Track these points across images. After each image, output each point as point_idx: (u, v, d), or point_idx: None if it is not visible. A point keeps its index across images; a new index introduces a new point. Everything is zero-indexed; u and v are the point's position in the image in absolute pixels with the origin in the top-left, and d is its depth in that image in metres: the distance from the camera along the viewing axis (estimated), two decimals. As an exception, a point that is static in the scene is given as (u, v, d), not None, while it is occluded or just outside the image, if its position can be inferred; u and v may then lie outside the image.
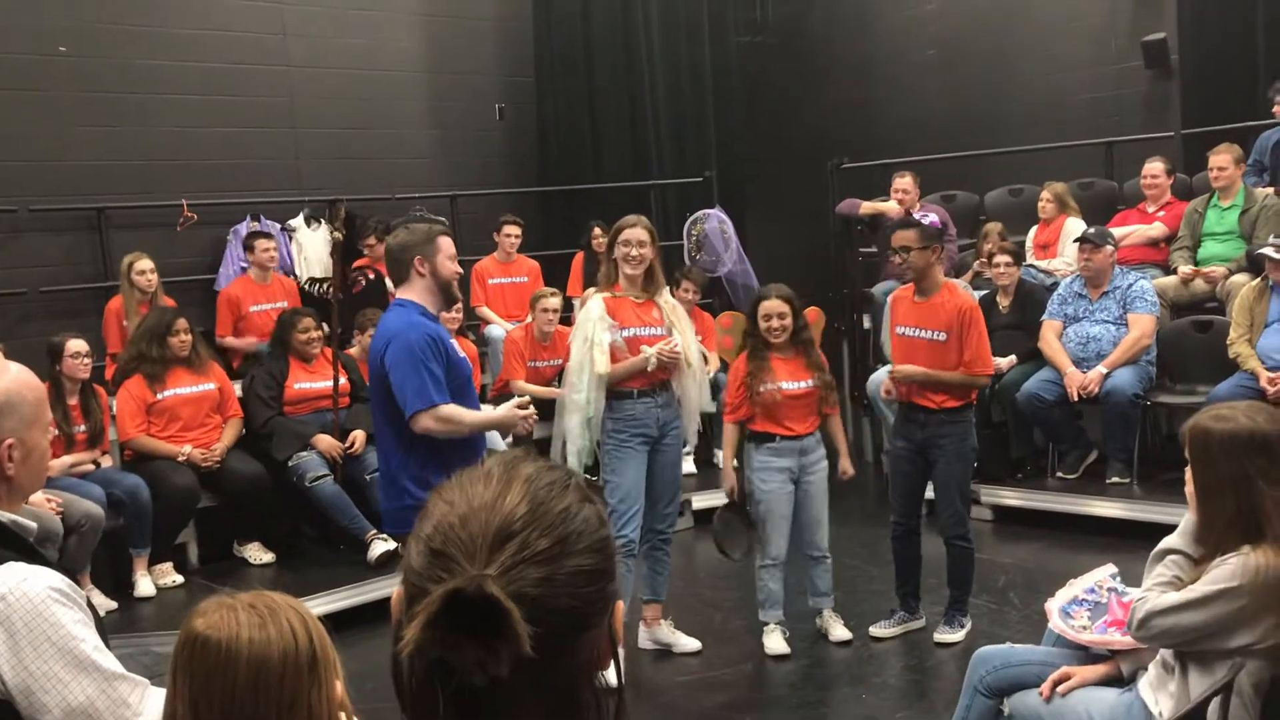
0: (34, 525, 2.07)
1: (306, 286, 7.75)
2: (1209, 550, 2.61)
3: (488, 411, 4.00)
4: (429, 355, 3.66)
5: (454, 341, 3.92)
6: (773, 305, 4.89)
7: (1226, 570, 2.53)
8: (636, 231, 4.74)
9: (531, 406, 3.96)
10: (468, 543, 1.01)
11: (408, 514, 3.70)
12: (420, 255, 3.77)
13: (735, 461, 5.03)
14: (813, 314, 7.11)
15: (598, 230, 8.14)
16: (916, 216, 5.38)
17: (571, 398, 4.82)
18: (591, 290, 4.99)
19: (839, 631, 5.03)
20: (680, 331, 4.87)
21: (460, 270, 3.89)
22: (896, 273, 6.50)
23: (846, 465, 5.12)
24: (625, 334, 4.75)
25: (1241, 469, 2.54)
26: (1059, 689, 2.97)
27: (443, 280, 3.80)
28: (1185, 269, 6.72)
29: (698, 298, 7.46)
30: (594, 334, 4.71)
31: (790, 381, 4.87)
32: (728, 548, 5.06)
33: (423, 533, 1.05)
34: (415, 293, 3.79)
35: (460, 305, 6.91)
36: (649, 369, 4.71)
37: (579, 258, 8.38)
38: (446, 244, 3.82)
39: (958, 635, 4.89)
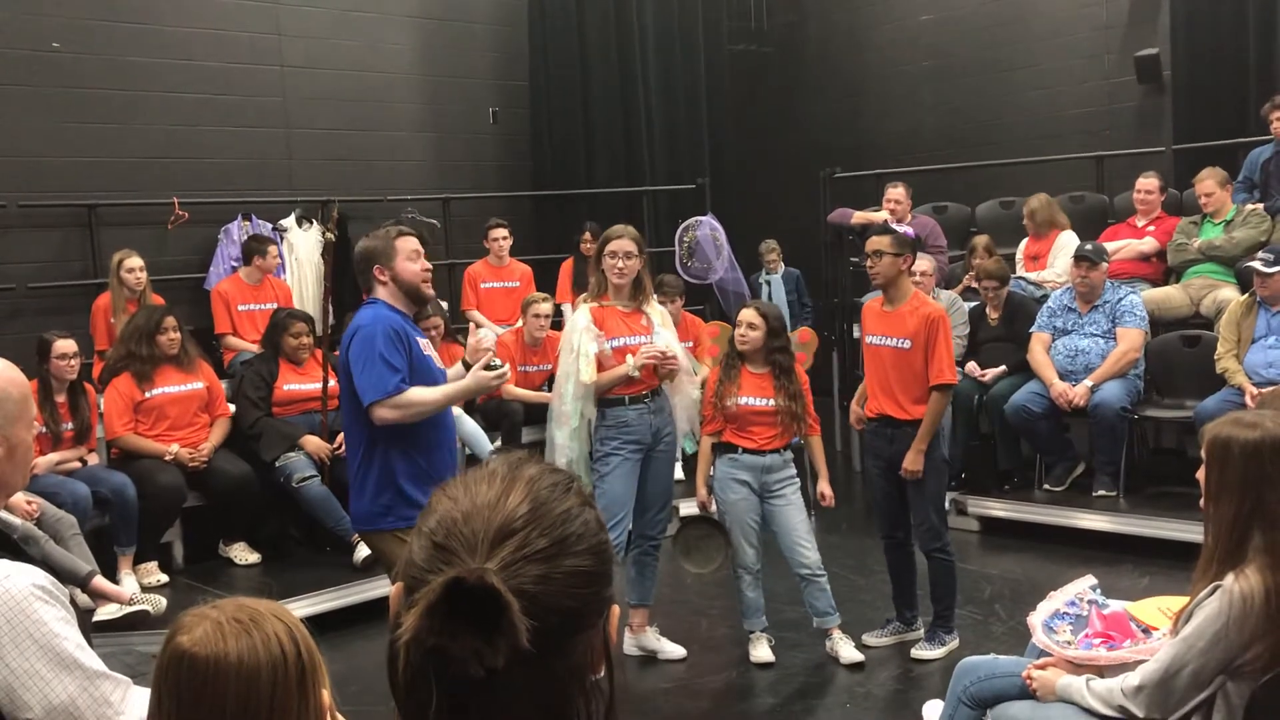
0: (18, 523, 2.06)
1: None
2: (1206, 562, 2.63)
3: (453, 384, 3.81)
4: (388, 347, 3.61)
5: (424, 342, 3.84)
6: (746, 314, 4.91)
7: (1212, 611, 2.54)
8: (623, 243, 4.74)
9: (505, 368, 3.82)
10: (469, 538, 1.03)
11: (375, 514, 3.68)
12: (379, 264, 3.74)
13: (711, 473, 5.01)
14: (805, 334, 7.11)
15: (589, 234, 8.11)
16: (894, 226, 5.42)
17: (558, 409, 4.82)
18: (583, 297, 4.99)
19: (848, 653, 4.88)
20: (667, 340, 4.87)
21: (429, 266, 3.81)
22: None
23: (825, 488, 5.02)
24: (613, 343, 4.74)
25: (1261, 472, 2.55)
26: (1036, 677, 2.98)
27: (405, 284, 3.74)
28: (1198, 242, 6.80)
29: (681, 302, 7.47)
30: (580, 344, 4.71)
31: (754, 397, 4.86)
32: (694, 563, 5.01)
33: (425, 527, 1.07)
34: (384, 296, 3.78)
35: (439, 317, 6.94)
36: (632, 375, 4.72)
37: (567, 264, 8.37)
38: (404, 245, 3.75)
39: (935, 652, 4.88)
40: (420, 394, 3.66)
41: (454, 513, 1.06)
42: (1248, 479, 2.56)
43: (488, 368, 3.76)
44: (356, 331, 3.70)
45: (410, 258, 3.75)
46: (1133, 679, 2.68)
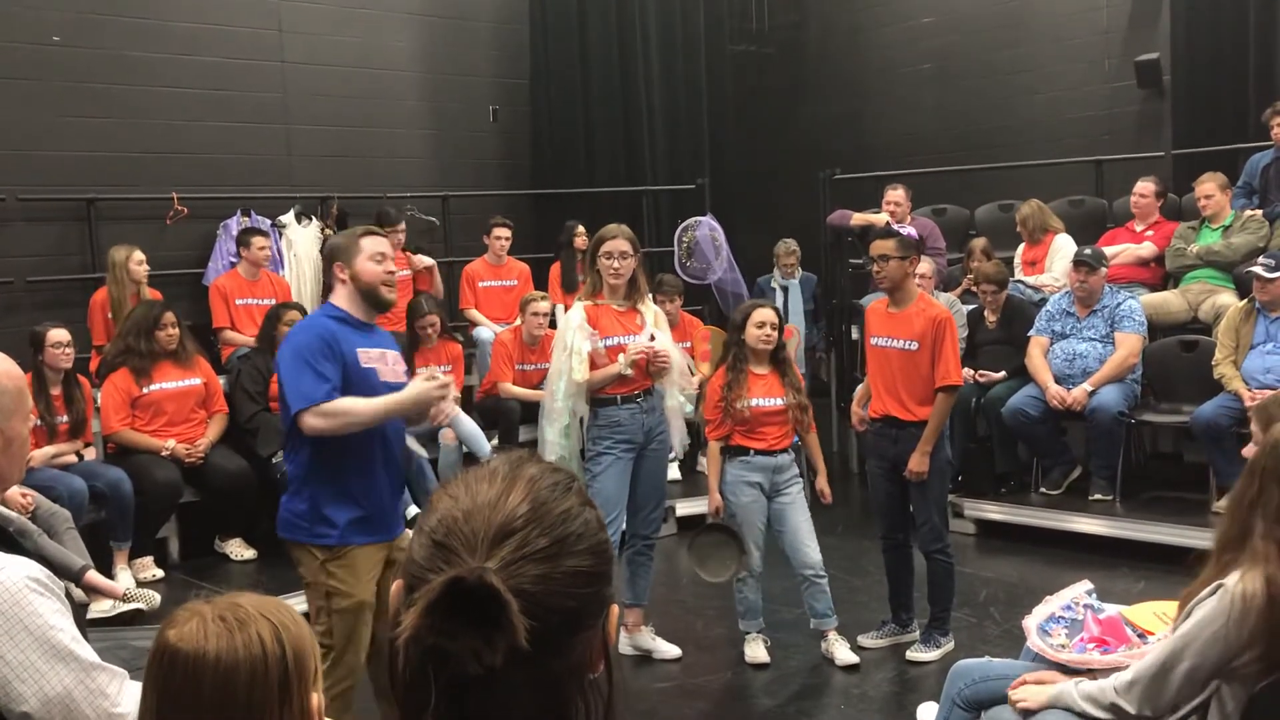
0: (14, 516, 2.06)
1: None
2: (1218, 549, 2.62)
3: (390, 396, 3.51)
4: (315, 353, 3.42)
5: (375, 353, 3.58)
6: (767, 314, 4.90)
7: (1211, 610, 2.54)
8: (618, 243, 4.73)
9: (449, 380, 3.57)
10: (469, 537, 1.03)
11: (293, 525, 3.52)
12: (340, 261, 3.56)
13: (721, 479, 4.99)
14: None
15: (581, 228, 8.07)
16: (896, 228, 5.42)
17: (550, 405, 4.81)
18: (578, 297, 4.98)
19: (844, 655, 4.88)
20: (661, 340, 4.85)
21: (393, 270, 3.60)
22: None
23: (824, 486, 5.03)
24: (607, 342, 4.73)
25: (1274, 464, 2.55)
26: (1023, 692, 2.96)
27: (363, 285, 3.53)
28: (1196, 247, 6.80)
29: (680, 302, 7.46)
30: (573, 342, 4.71)
31: (765, 398, 4.85)
32: (710, 571, 4.89)
33: (426, 525, 1.07)
34: (341, 299, 3.59)
35: (435, 314, 6.93)
36: (624, 373, 4.71)
37: (556, 266, 8.33)
38: (370, 244, 3.55)
39: (930, 655, 4.88)
40: (352, 404, 3.43)
41: (454, 511, 1.06)
42: (1266, 465, 2.55)
43: (431, 378, 3.52)
44: (289, 338, 3.56)
45: (374, 259, 3.54)
46: (1126, 674, 2.66)
